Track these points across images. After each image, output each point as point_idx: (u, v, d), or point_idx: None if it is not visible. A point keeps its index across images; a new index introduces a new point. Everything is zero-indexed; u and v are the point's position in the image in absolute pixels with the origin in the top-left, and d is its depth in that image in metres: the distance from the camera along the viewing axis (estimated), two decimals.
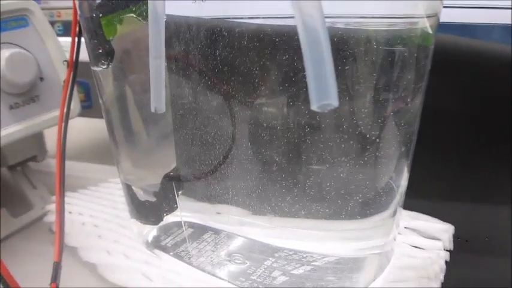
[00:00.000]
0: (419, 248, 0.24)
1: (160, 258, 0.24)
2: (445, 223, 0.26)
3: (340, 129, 0.19)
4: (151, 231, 0.25)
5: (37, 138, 0.33)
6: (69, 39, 0.24)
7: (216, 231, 0.24)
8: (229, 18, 0.19)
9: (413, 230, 0.26)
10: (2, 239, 0.28)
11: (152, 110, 0.18)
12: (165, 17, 0.18)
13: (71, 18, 0.24)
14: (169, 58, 0.19)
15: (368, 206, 0.20)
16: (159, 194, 0.24)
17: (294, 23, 0.17)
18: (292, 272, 0.21)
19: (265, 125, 0.20)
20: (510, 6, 0.28)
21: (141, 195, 0.25)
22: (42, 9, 0.28)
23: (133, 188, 0.25)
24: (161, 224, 0.25)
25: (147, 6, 0.18)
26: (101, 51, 0.20)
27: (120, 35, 0.21)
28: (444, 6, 0.19)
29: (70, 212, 0.29)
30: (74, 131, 0.27)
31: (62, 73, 0.28)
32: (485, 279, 0.23)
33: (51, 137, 0.30)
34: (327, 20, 0.14)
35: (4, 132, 0.25)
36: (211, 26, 0.19)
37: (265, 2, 0.18)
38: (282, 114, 0.19)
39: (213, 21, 0.19)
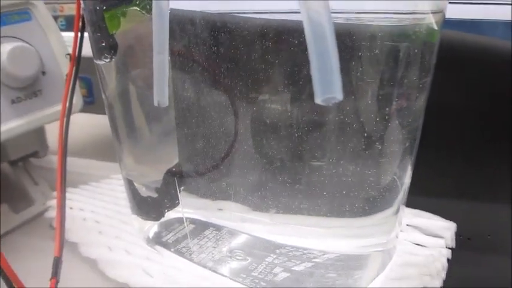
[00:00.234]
0: (421, 245, 0.24)
1: (161, 255, 0.24)
2: (447, 221, 0.26)
3: (343, 126, 0.19)
4: (152, 227, 0.25)
5: (38, 134, 0.33)
6: (71, 34, 0.24)
7: (218, 228, 0.24)
8: (233, 13, 0.19)
9: (416, 227, 0.25)
10: (2, 234, 0.28)
11: (155, 103, 0.18)
12: (169, 11, 0.18)
13: (73, 12, 0.23)
14: (172, 53, 0.19)
15: (371, 203, 0.20)
16: (160, 190, 0.24)
17: (299, 17, 0.18)
18: (293, 268, 0.21)
19: (268, 121, 0.20)
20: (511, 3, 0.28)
21: (143, 191, 0.25)
22: (45, 3, 0.28)
23: (135, 183, 0.25)
24: (162, 220, 0.25)
25: (151, 0, 0.18)
26: (104, 44, 0.20)
27: (124, 29, 0.21)
28: (450, 2, 0.19)
29: (71, 208, 0.29)
30: (76, 127, 0.27)
31: (65, 67, 0.28)
32: (487, 277, 0.23)
33: (52, 133, 0.30)
34: (332, 15, 0.14)
35: (5, 126, 0.25)
36: (215, 20, 0.19)
37: None
38: (285, 110, 0.19)
39: (217, 15, 0.19)
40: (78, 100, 0.29)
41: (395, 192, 0.20)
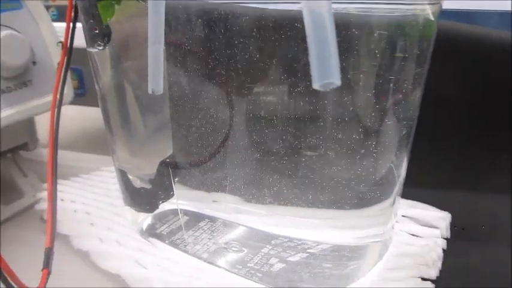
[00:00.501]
0: (416, 236, 0.24)
1: (155, 246, 0.24)
2: (442, 211, 0.26)
3: (339, 117, 0.18)
4: (146, 219, 0.25)
5: (28, 125, 0.32)
6: (63, 24, 0.23)
7: (213, 219, 0.24)
8: (229, 2, 0.18)
9: (411, 218, 0.26)
10: None
11: (149, 91, 0.17)
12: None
13: (65, 3, 0.23)
14: (167, 43, 0.19)
15: (368, 195, 0.20)
16: (154, 181, 0.24)
17: (295, 6, 0.17)
18: (288, 259, 0.21)
19: (263, 112, 0.19)
20: None
21: (136, 183, 0.25)
22: None
23: (129, 175, 0.25)
24: (156, 211, 0.25)
25: None
26: (97, 31, 0.20)
27: (119, 18, 0.21)
28: None
29: (62, 200, 0.29)
30: (67, 120, 0.26)
31: (56, 57, 0.27)
32: (482, 267, 0.23)
33: (42, 126, 0.30)
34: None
35: None
36: (211, 10, 0.18)
37: None
38: (281, 101, 0.19)
39: (213, 5, 0.19)
40: (69, 91, 0.28)
41: (392, 183, 0.20)
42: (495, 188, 0.28)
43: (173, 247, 0.23)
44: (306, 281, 0.20)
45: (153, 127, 0.25)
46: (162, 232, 0.24)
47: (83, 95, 0.39)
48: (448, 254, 0.23)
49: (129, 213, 0.26)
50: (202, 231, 0.23)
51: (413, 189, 0.24)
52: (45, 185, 0.23)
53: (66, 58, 0.23)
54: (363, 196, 0.20)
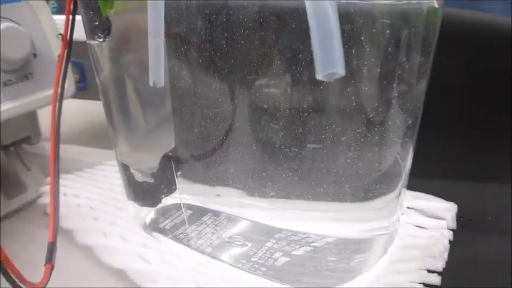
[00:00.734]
0: (422, 227, 0.24)
1: (158, 241, 0.24)
2: (447, 202, 0.25)
3: (342, 108, 0.18)
4: (149, 214, 0.25)
5: (31, 119, 0.32)
6: (63, 17, 0.23)
7: (216, 213, 0.23)
8: None
9: (416, 209, 0.25)
10: None
11: (151, 84, 0.17)
12: None
13: None
14: (168, 35, 0.19)
15: (374, 187, 0.20)
16: (157, 175, 0.24)
17: None
18: (292, 252, 0.21)
19: (266, 105, 0.19)
20: None
21: (139, 177, 0.24)
22: None
23: (131, 169, 0.24)
24: (159, 206, 0.24)
25: None
26: (97, 23, 0.20)
27: (119, 10, 0.21)
28: None
29: (65, 194, 0.29)
30: (69, 113, 0.26)
31: (57, 50, 0.27)
32: (489, 258, 0.23)
33: (45, 120, 0.29)
34: None
35: None
36: (212, 2, 0.18)
37: None
38: (284, 94, 0.19)
39: None
40: (70, 84, 0.28)
41: (397, 174, 0.20)
42: (501, 177, 0.28)
43: (176, 242, 0.23)
44: (311, 274, 0.20)
45: (155, 120, 0.25)
46: (165, 227, 0.24)
47: (85, 89, 0.38)
48: (455, 245, 0.23)
49: (132, 207, 0.25)
50: (205, 226, 0.23)
51: (419, 180, 0.24)
52: (48, 179, 0.22)
53: (66, 51, 0.23)
54: (368, 188, 0.20)
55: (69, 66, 0.24)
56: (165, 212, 0.24)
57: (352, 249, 0.21)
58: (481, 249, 0.23)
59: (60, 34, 0.21)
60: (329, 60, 0.13)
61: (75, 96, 0.30)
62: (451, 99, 0.29)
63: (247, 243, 0.22)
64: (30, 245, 0.24)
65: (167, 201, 0.24)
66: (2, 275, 0.16)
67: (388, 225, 0.21)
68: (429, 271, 0.21)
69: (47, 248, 0.19)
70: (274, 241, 0.21)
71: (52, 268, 0.19)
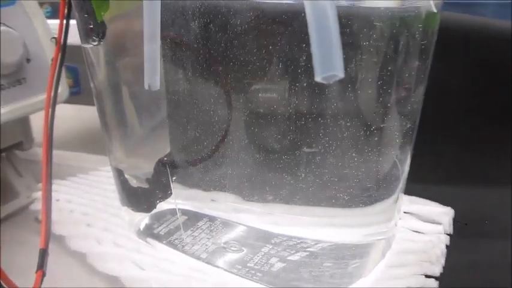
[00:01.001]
0: (419, 232, 0.24)
1: (152, 247, 0.23)
2: (444, 207, 0.25)
3: (340, 113, 0.18)
4: (143, 219, 0.25)
5: (23, 124, 0.32)
6: (57, 21, 0.23)
7: (211, 219, 0.23)
8: None
9: (413, 214, 0.25)
10: None
11: (146, 87, 0.17)
12: None
13: None
14: (163, 40, 0.19)
15: (371, 192, 0.20)
16: (152, 180, 0.23)
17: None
18: (288, 258, 0.21)
19: (262, 110, 0.19)
20: None
21: (133, 182, 0.24)
22: None
23: (125, 174, 0.24)
24: (154, 211, 0.24)
25: None
26: (91, 26, 0.19)
27: (114, 14, 0.21)
28: None
29: (57, 200, 0.28)
30: (62, 118, 0.26)
31: (51, 55, 0.26)
32: (486, 263, 0.22)
33: (38, 125, 0.29)
34: None
35: None
36: (208, 5, 0.18)
37: None
38: (280, 98, 0.19)
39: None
40: (63, 89, 0.28)
41: (396, 179, 0.20)
42: (497, 182, 0.28)
43: (171, 247, 0.23)
44: (307, 280, 0.20)
45: (150, 125, 0.24)
46: (160, 232, 0.24)
47: (79, 94, 0.38)
48: (452, 250, 0.23)
49: (126, 213, 0.25)
50: (201, 231, 0.23)
51: (415, 185, 0.23)
52: (40, 185, 0.22)
53: (60, 55, 0.22)
54: (366, 194, 0.19)
55: (63, 70, 0.23)
56: (160, 218, 0.24)
57: (350, 255, 0.20)
58: (478, 253, 0.23)
59: (54, 38, 0.21)
60: (328, 62, 0.13)
61: (68, 101, 0.30)
62: (449, 105, 0.29)
63: (243, 248, 0.22)
64: (21, 252, 0.24)
65: (162, 206, 0.24)
66: None
67: (386, 230, 0.21)
68: (427, 276, 0.21)
69: (39, 255, 0.19)
70: (270, 246, 0.21)
71: (43, 275, 0.18)
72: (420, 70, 0.18)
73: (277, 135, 0.19)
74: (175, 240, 0.23)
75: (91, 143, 0.40)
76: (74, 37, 0.22)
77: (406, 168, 0.21)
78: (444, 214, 0.25)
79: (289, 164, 0.19)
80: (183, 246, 0.23)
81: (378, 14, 0.17)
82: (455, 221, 0.25)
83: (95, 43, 0.20)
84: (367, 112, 0.18)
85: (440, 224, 0.24)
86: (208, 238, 0.22)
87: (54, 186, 0.22)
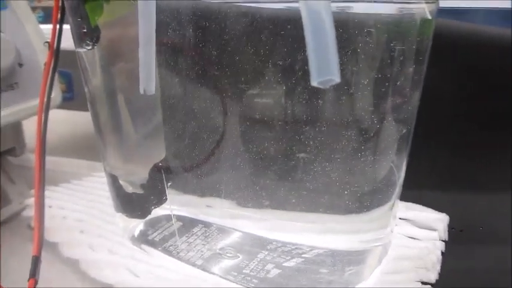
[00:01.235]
0: (414, 238, 0.24)
1: (147, 254, 0.23)
2: (439, 213, 0.25)
3: (336, 119, 0.18)
4: (138, 226, 0.24)
5: (15, 130, 0.31)
6: (50, 26, 0.22)
7: (207, 225, 0.23)
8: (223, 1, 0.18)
9: (408, 220, 0.25)
10: None
11: (141, 91, 0.17)
12: None
13: (52, 3, 0.22)
14: (158, 44, 0.18)
15: (367, 198, 0.19)
16: (147, 186, 0.23)
17: (291, 5, 0.17)
18: (284, 264, 0.20)
19: (258, 115, 0.19)
20: None
21: (128, 188, 0.24)
22: None
23: (120, 180, 0.24)
24: (149, 217, 0.24)
25: None
26: (85, 30, 0.19)
27: (108, 18, 0.20)
28: None
29: (50, 206, 0.28)
30: (55, 124, 0.26)
31: (43, 59, 0.26)
32: (481, 269, 0.22)
33: (30, 131, 0.29)
34: None
35: None
36: (203, 9, 0.18)
37: None
38: (276, 104, 0.18)
39: (206, 4, 0.18)
40: (56, 94, 0.27)
41: (392, 185, 0.20)
42: (491, 187, 0.28)
43: (166, 254, 0.23)
44: (305, 286, 0.20)
45: (145, 131, 0.24)
46: (155, 239, 0.23)
47: (72, 99, 0.38)
48: (447, 256, 0.22)
49: (121, 219, 0.25)
50: (196, 237, 0.22)
51: (409, 191, 0.23)
52: (33, 192, 0.22)
53: (53, 60, 0.22)
54: (363, 200, 0.19)
55: (56, 75, 0.23)
56: (155, 224, 0.24)
57: (346, 261, 0.20)
58: (473, 259, 0.23)
59: (47, 42, 0.21)
60: (324, 66, 0.13)
61: (61, 106, 0.30)
62: (443, 111, 0.29)
63: (238, 254, 0.21)
64: (13, 259, 0.24)
65: (157, 212, 0.23)
66: None
67: (383, 236, 0.21)
68: (423, 282, 0.20)
69: (31, 262, 0.19)
70: (266, 252, 0.21)
71: (36, 283, 0.18)
72: (416, 76, 0.18)
73: (272, 141, 0.19)
74: (170, 247, 0.23)
75: (84, 148, 0.40)
76: (67, 42, 0.22)
77: (402, 174, 0.20)
78: (439, 220, 0.25)
79: (284, 169, 0.19)
80: (178, 253, 0.22)
81: (373, 20, 0.17)
82: (450, 227, 0.25)
83: (89, 47, 0.20)
84: (363, 118, 0.18)
85: (435, 230, 0.24)
86: (203, 244, 0.22)
87: (47, 193, 0.21)
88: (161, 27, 0.18)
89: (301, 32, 0.13)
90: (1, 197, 0.30)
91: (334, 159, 0.19)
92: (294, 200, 0.20)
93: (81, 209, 0.28)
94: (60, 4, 0.21)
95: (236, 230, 0.22)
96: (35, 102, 0.25)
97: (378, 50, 0.17)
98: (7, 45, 0.25)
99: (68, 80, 0.37)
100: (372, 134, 0.18)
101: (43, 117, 0.22)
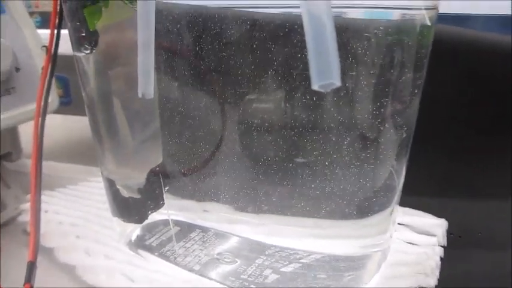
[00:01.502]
0: (413, 244, 0.24)
1: (144, 259, 0.23)
2: (438, 218, 0.25)
3: (335, 124, 0.18)
4: (134, 231, 0.24)
5: (12, 134, 0.31)
6: (47, 31, 0.22)
7: (204, 229, 0.23)
8: (221, 6, 0.18)
9: (407, 225, 0.25)
10: None
11: (139, 95, 0.17)
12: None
13: (49, 9, 0.22)
14: (157, 48, 0.18)
15: (367, 204, 0.19)
16: (144, 190, 0.23)
17: (289, 11, 0.17)
18: (281, 269, 0.20)
19: (256, 120, 0.19)
20: None
21: (125, 192, 0.24)
22: None
23: (117, 184, 0.24)
24: (146, 222, 0.24)
25: None
26: (84, 34, 0.19)
27: (107, 23, 0.20)
28: None
29: (46, 211, 0.28)
30: (52, 129, 0.25)
31: (40, 64, 0.26)
32: (479, 274, 0.22)
33: (26, 136, 0.29)
34: None
35: None
36: (202, 14, 0.18)
37: None
38: (274, 109, 0.18)
39: (204, 9, 0.18)
40: (53, 98, 0.27)
41: (392, 191, 0.20)
42: (490, 193, 0.28)
43: (163, 259, 0.22)
44: None
45: (142, 135, 0.24)
46: (152, 244, 0.23)
47: (69, 104, 0.38)
48: (446, 262, 0.22)
49: (117, 224, 0.25)
50: (193, 242, 0.22)
51: (409, 196, 0.23)
52: (29, 197, 0.22)
53: (50, 64, 0.22)
54: (362, 205, 0.19)
55: (53, 80, 0.23)
56: (152, 229, 0.24)
57: (345, 266, 0.20)
58: (472, 265, 0.23)
59: (44, 46, 0.21)
60: (325, 70, 0.13)
61: (58, 111, 0.30)
62: (442, 116, 0.29)
63: (236, 260, 0.21)
64: (8, 264, 0.23)
65: (154, 217, 0.23)
66: None
67: (382, 241, 0.21)
68: None
69: (27, 267, 0.18)
70: (264, 258, 0.21)
71: None
72: (415, 81, 0.18)
73: (271, 146, 0.19)
74: (168, 252, 0.23)
75: (81, 153, 0.40)
76: (64, 46, 0.22)
77: (402, 179, 0.20)
78: (438, 226, 0.25)
79: (283, 174, 0.19)
80: (176, 258, 0.22)
81: (374, 27, 0.17)
82: (449, 233, 0.25)
83: (87, 51, 0.20)
84: (362, 123, 0.18)
85: (434, 236, 0.24)
86: (201, 249, 0.22)
87: (43, 198, 0.21)
88: (160, 31, 0.18)
89: (300, 37, 0.13)
90: None
91: (334, 165, 0.18)
92: (292, 205, 0.20)
93: (77, 214, 0.27)
94: (58, 8, 0.21)
95: (234, 235, 0.22)
96: (32, 106, 0.25)
97: (378, 56, 0.17)
98: (5, 50, 0.25)
99: (65, 84, 0.37)
100: (371, 139, 0.18)
101: (40, 122, 0.22)
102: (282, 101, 0.18)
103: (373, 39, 0.17)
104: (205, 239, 0.22)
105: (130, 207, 0.23)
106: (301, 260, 0.20)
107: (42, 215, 0.21)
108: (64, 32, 0.21)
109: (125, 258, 0.23)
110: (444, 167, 0.30)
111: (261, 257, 0.21)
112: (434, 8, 0.18)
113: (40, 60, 0.27)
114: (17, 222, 0.28)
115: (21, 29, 0.26)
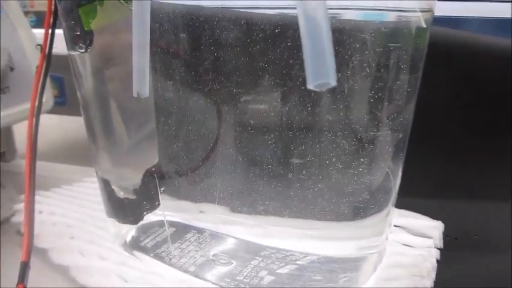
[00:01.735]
0: (409, 246, 0.24)
1: (139, 260, 0.23)
2: (434, 220, 0.25)
3: (331, 126, 0.18)
4: (130, 231, 0.24)
5: (6, 134, 0.31)
6: (42, 31, 0.22)
7: (200, 231, 0.23)
8: (216, 6, 0.18)
9: (403, 227, 0.25)
10: None
11: (135, 94, 0.17)
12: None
13: (44, 8, 0.22)
14: (152, 48, 0.18)
15: (363, 205, 0.19)
16: (139, 191, 0.23)
17: (286, 11, 0.17)
18: (277, 271, 0.20)
19: (252, 121, 0.19)
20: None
21: (120, 193, 0.23)
22: None
23: (112, 185, 0.24)
24: (141, 223, 0.24)
25: None
26: (78, 33, 0.19)
27: (102, 22, 0.20)
28: None
29: (40, 212, 0.27)
30: (47, 129, 0.25)
31: (35, 64, 0.26)
32: (475, 277, 0.22)
33: (20, 134, 0.29)
34: None
35: None
36: (198, 14, 0.18)
37: None
38: (270, 110, 0.18)
39: (200, 9, 0.18)
40: (48, 98, 0.27)
41: (388, 192, 0.20)
42: (487, 196, 0.28)
43: (158, 260, 0.22)
44: None
45: (138, 135, 0.24)
46: (147, 245, 0.23)
47: (64, 104, 0.38)
48: (442, 264, 0.22)
49: (112, 225, 0.24)
50: (189, 243, 0.22)
51: (405, 198, 0.23)
52: (23, 197, 0.22)
53: (45, 63, 0.22)
54: (358, 206, 0.19)
55: (48, 80, 0.23)
56: (147, 230, 0.24)
57: (340, 268, 0.20)
58: (468, 267, 0.23)
59: (39, 45, 0.21)
60: (321, 70, 0.12)
61: (53, 111, 0.29)
62: (438, 118, 0.29)
63: (232, 261, 0.21)
64: (2, 265, 0.23)
65: (149, 218, 0.23)
66: None
67: (378, 243, 0.21)
68: None
69: (20, 268, 0.18)
70: (259, 259, 0.21)
71: None
72: (411, 83, 0.18)
73: (267, 147, 0.19)
74: (163, 253, 0.22)
75: (76, 154, 0.39)
76: (59, 46, 0.22)
77: (398, 180, 0.20)
78: (434, 228, 0.25)
79: (279, 176, 0.19)
80: (171, 259, 0.22)
81: (369, 29, 0.17)
82: (445, 235, 0.25)
83: (82, 50, 0.20)
84: (358, 124, 0.18)
85: (430, 238, 0.24)
86: (196, 250, 0.22)
87: (37, 198, 0.21)
88: (156, 31, 0.18)
89: (296, 37, 0.13)
90: None
91: (330, 166, 0.18)
92: (288, 206, 0.20)
93: (71, 215, 0.27)
94: (52, 8, 0.21)
95: (230, 236, 0.22)
96: (26, 106, 0.25)
97: (374, 57, 0.17)
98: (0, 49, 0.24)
99: (60, 84, 0.37)
100: (367, 141, 0.18)
101: (34, 122, 0.22)
102: (277, 102, 0.18)
103: (368, 41, 0.17)
104: (200, 240, 0.22)
105: (125, 208, 0.23)
106: (297, 262, 0.20)
107: (37, 216, 0.21)
108: (59, 32, 0.21)
109: (120, 259, 0.23)
110: (440, 169, 0.30)
111: (257, 258, 0.21)
112: (430, 10, 0.18)
113: (34, 59, 0.27)
114: (11, 223, 0.27)
115: (16, 29, 0.26)
